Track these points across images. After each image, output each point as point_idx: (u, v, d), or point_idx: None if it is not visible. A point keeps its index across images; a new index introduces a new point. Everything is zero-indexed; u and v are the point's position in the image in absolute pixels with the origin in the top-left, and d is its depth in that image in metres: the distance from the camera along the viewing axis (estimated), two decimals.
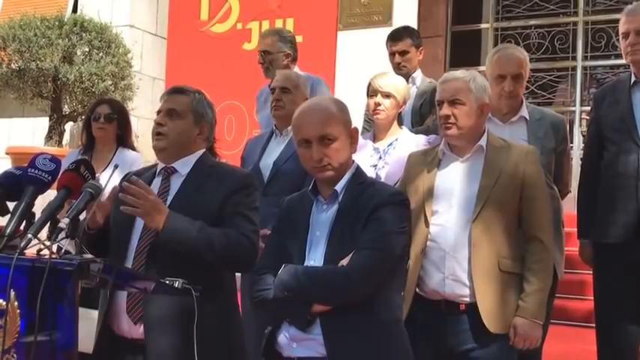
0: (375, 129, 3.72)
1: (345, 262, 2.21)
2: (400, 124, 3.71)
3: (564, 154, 3.59)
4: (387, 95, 3.58)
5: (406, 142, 3.56)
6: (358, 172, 2.40)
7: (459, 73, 2.89)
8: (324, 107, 2.36)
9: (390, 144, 3.58)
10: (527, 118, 3.52)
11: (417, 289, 2.77)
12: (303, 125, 2.33)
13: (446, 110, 2.78)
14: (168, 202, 2.49)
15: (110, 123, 4.15)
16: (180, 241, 2.34)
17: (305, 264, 2.30)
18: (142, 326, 2.38)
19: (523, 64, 3.52)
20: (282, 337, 2.29)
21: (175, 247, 2.34)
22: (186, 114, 2.57)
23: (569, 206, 3.78)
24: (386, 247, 2.23)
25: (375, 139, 3.64)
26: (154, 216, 2.33)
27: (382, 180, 3.35)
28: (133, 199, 2.32)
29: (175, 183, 2.56)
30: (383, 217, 2.25)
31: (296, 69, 4.54)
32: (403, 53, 4.50)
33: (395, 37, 4.58)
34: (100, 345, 2.46)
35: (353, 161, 2.42)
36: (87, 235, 2.38)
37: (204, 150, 2.64)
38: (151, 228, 2.37)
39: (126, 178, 2.67)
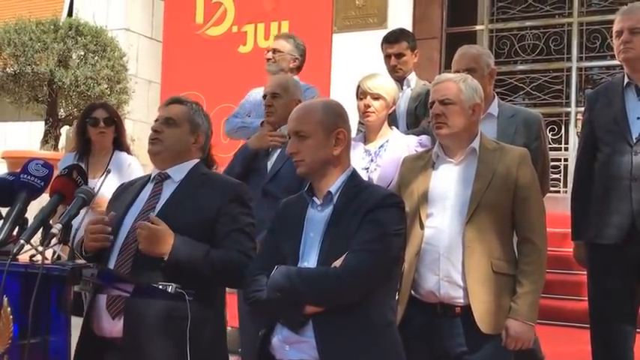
0: (365, 131, 3.72)
1: (338, 263, 2.22)
2: (390, 125, 3.71)
3: (538, 151, 3.57)
4: (377, 97, 3.58)
5: (397, 144, 3.57)
6: (354, 174, 2.44)
7: (451, 74, 2.94)
8: (307, 106, 2.48)
9: (381, 146, 3.58)
10: (496, 115, 3.56)
11: (412, 292, 2.78)
12: (289, 121, 2.46)
13: (437, 109, 2.81)
14: (158, 207, 2.51)
15: (110, 127, 4.21)
16: (184, 268, 2.36)
17: (299, 265, 2.31)
18: (122, 322, 2.36)
19: (476, 58, 3.61)
20: (276, 340, 2.29)
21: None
22: (183, 122, 2.63)
23: (564, 207, 3.79)
24: (380, 249, 2.24)
25: (366, 141, 3.64)
26: (158, 244, 2.35)
27: (375, 182, 3.36)
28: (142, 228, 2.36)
29: (167, 189, 2.58)
30: (378, 219, 2.26)
31: (296, 78, 4.58)
32: (399, 56, 4.51)
33: (391, 39, 4.59)
34: (80, 346, 2.44)
35: (349, 164, 2.45)
36: (86, 257, 2.41)
37: (198, 160, 2.68)
38: (156, 255, 2.36)
39: (120, 188, 2.70)
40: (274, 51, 4.65)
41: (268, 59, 4.65)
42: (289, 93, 3.70)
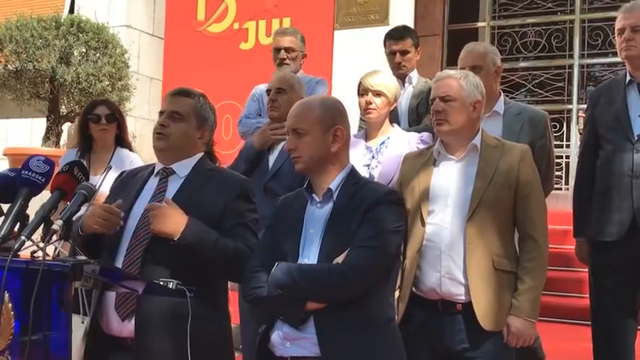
0: (367, 128, 3.72)
1: (339, 259, 2.23)
2: (392, 122, 3.70)
3: (543, 150, 3.57)
4: (378, 94, 3.57)
5: (399, 141, 3.56)
6: (353, 171, 2.45)
7: (452, 71, 2.92)
8: (305, 103, 2.48)
9: (383, 143, 3.57)
10: (502, 112, 3.56)
11: (414, 289, 2.77)
12: (287, 117, 2.47)
13: (437, 106, 2.81)
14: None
15: (112, 123, 4.20)
16: (193, 250, 2.35)
17: (299, 262, 2.32)
18: (131, 323, 2.36)
19: (482, 56, 3.60)
20: (276, 336, 2.30)
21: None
22: (189, 117, 2.58)
23: (565, 204, 3.79)
24: (380, 245, 2.25)
25: (367, 138, 3.63)
26: (170, 223, 2.34)
27: (376, 179, 3.36)
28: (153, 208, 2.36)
29: (173, 184, 2.55)
30: (378, 216, 2.27)
31: (301, 71, 4.58)
32: (404, 53, 4.47)
33: (395, 36, 4.55)
34: (89, 345, 2.44)
35: (348, 161, 2.46)
36: (80, 237, 2.38)
37: (202, 154, 2.64)
38: (167, 235, 2.35)
39: (121, 176, 2.68)
40: (287, 50, 4.54)
41: (282, 59, 4.51)
42: (294, 89, 3.70)
